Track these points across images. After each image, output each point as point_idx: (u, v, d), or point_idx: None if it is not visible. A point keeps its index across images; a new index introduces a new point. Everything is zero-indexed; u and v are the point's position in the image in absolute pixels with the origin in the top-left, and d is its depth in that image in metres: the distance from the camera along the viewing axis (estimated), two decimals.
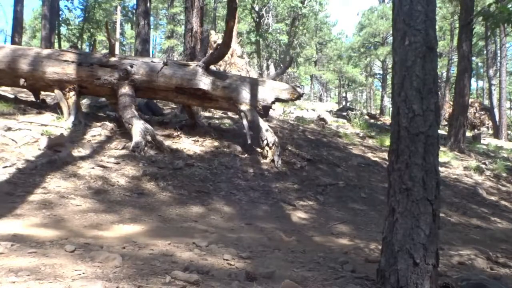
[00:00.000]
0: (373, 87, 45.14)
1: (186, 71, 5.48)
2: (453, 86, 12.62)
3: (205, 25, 9.07)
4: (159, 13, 36.46)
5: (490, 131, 20.32)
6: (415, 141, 1.90)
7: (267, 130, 5.41)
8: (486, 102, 25.87)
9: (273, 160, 5.27)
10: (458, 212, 5.15)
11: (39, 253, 2.02)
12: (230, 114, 7.42)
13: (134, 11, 21.75)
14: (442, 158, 7.85)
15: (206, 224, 3.34)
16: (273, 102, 5.78)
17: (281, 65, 26.48)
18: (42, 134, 4.63)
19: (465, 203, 5.59)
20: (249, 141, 5.33)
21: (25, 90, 6.41)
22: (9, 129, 4.63)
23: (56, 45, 20.37)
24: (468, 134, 13.62)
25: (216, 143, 5.54)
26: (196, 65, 5.56)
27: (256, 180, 4.80)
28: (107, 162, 4.34)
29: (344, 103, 39.60)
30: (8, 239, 2.21)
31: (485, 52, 24.02)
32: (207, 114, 7.64)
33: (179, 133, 5.60)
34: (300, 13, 26.05)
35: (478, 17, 9.70)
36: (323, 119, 9.72)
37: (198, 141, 5.53)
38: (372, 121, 13.95)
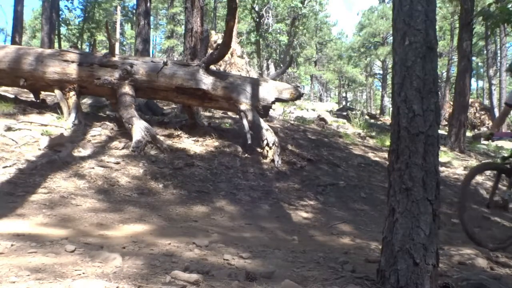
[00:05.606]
0: (373, 87, 45.17)
1: (186, 71, 5.48)
2: (453, 86, 12.62)
3: (205, 25, 9.06)
4: (159, 13, 36.48)
5: None
6: (415, 141, 1.90)
7: (267, 130, 5.41)
8: (486, 102, 25.87)
9: (273, 160, 5.27)
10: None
11: (39, 253, 2.02)
12: (230, 114, 7.42)
13: (134, 11, 21.76)
14: (443, 158, 7.85)
15: (206, 224, 3.34)
16: (273, 102, 5.78)
17: (281, 65, 26.48)
18: (42, 134, 4.63)
19: None
20: (249, 141, 5.33)
21: (25, 90, 6.41)
22: (9, 129, 4.63)
23: (56, 45, 20.38)
24: (468, 134, 13.63)
25: (216, 143, 5.54)
26: (196, 65, 5.56)
27: (256, 180, 4.80)
28: (108, 162, 4.34)
29: (344, 103, 39.61)
30: (8, 238, 2.21)
31: (485, 52, 24.04)
32: (207, 114, 7.64)
33: (179, 133, 5.61)
34: (300, 13, 26.05)
35: (478, 17, 9.71)
36: (323, 119, 9.72)
37: (198, 141, 5.53)
38: (372, 121, 13.95)
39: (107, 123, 5.45)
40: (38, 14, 31.58)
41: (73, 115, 5.18)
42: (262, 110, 5.64)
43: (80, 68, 5.41)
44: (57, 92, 5.43)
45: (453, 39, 23.37)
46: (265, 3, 24.37)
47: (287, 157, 5.58)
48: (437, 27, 2.18)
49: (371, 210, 4.61)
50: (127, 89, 5.33)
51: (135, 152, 4.64)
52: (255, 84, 5.77)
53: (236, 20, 8.97)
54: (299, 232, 3.48)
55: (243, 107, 5.50)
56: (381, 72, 36.70)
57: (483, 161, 8.08)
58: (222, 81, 5.55)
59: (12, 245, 2.10)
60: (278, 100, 5.84)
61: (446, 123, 15.22)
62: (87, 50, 23.45)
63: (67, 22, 26.10)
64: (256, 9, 25.10)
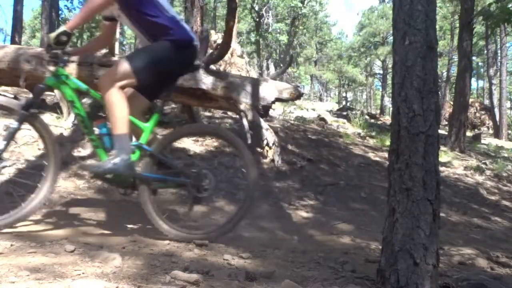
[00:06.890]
0: (373, 87, 45.19)
1: None
2: (453, 85, 12.62)
3: (205, 25, 9.06)
4: None
5: (491, 131, 20.34)
6: (415, 141, 1.90)
7: (267, 130, 5.41)
8: (487, 102, 25.87)
9: (273, 160, 5.26)
10: (459, 212, 5.14)
11: (39, 253, 2.02)
12: (230, 114, 7.42)
13: None
14: (443, 158, 7.85)
15: (206, 224, 3.33)
16: (273, 102, 5.77)
17: (281, 65, 26.48)
18: None
19: (465, 203, 5.58)
20: (249, 141, 5.32)
21: (25, 90, 6.40)
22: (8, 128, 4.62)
23: None
24: (469, 134, 13.63)
25: (216, 143, 5.54)
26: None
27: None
28: None
29: (344, 103, 39.59)
30: (7, 238, 2.21)
31: (485, 51, 24.04)
32: (207, 114, 7.63)
33: None
34: (300, 13, 26.05)
35: (479, 16, 9.72)
36: (323, 119, 9.72)
37: (198, 140, 5.52)
38: (372, 121, 13.96)
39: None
40: (38, 13, 31.58)
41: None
42: (262, 110, 5.63)
43: (80, 67, 5.39)
44: (57, 92, 5.42)
45: (453, 39, 23.39)
46: (265, 3, 24.38)
47: (287, 157, 5.58)
48: (437, 27, 2.18)
49: (371, 210, 4.60)
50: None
51: None
52: (255, 84, 5.76)
53: (236, 20, 8.96)
54: (299, 232, 3.48)
55: (243, 107, 5.49)
56: (381, 72, 36.74)
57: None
58: (222, 81, 5.54)
59: (11, 245, 2.10)
60: (278, 100, 5.83)
61: (446, 123, 15.22)
62: None
63: (67, 21, 26.12)
64: (256, 9, 25.12)
